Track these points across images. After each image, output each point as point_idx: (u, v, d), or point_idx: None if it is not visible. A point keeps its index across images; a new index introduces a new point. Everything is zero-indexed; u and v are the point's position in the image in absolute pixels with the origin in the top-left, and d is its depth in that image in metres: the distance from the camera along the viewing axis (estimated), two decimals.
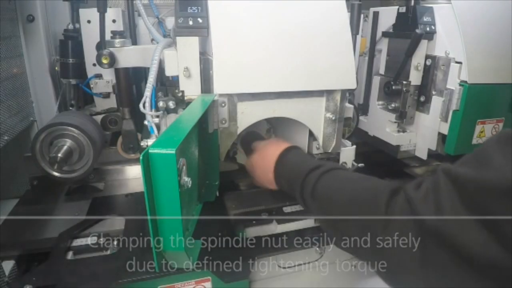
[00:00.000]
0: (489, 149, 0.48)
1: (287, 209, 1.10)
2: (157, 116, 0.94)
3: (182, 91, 0.96)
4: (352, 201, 0.70)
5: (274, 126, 1.28)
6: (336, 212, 0.73)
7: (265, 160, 0.98)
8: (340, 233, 0.73)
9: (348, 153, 1.12)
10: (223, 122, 0.94)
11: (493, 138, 0.49)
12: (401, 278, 0.59)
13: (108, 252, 0.99)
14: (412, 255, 0.54)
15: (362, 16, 1.27)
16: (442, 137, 1.27)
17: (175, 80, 0.99)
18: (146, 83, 0.94)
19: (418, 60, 1.25)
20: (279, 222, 1.04)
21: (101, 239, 1.01)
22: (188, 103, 0.94)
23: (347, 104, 1.08)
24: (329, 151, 1.08)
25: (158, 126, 0.94)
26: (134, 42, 1.35)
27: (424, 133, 1.32)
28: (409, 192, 0.58)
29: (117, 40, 1.08)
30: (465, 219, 0.46)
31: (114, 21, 1.27)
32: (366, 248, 0.66)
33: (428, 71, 1.26)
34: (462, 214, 0.47)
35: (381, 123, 1.42)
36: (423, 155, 1.35)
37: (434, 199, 0.52)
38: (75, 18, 1.30)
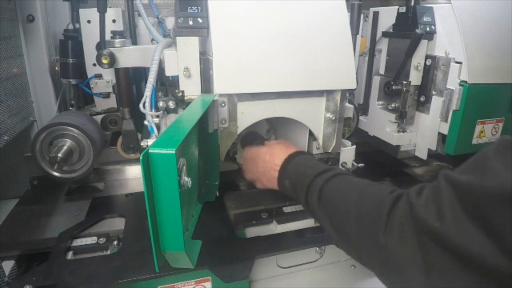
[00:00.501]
0: (489, 156, 0.48)
1: (287, 209, 1.10)
2: (157, 116, 0.94)
3: (182, 91, 0.96)
4: (357, 206, 0.70)
5: (274, 126, 1.28)
6: (340, 216, 0.73)
7: (272, 156, 0.97)
8: (344, 237, 0.73)
9: (348, 153, 1.12)
10: (223, 122, 0.94)
11: (492, 145, 0.50)
12: (403, 282, 0.58)
13: (108, 252, 0.99)
14: (414, 259, 0.54)
15: (362, 16, 1.27)
16: (442, 137, 1.27)
17: (175, 80, 0.99)
18: (146, 83, 0.94)
19: (418, 60, 1.25)
20: (279, 222, 1.05)
21: (101, 239, 1.01)
22: (188, 103, 0.94)
23: (347, 104, 1.08)
24: (329, 151, 1.08)
25: (158, 126, 0.94)
26: (134, 42, 1.35)
27: (424, 133, 1.32)
28: (411, 198, 0.58)
29: (117, 40, 1.08)
30: (467, 225, 0.47)
31: (114, 21, 1.27)
32: (369, 253, 0.66)
33: (428, 71, 1.26)
34: (463, 220, 0.47)
35: (381, 123, 1.42)
36: (423, 155, 1.35)
37: (436, 205, 0.52)
38: (75, 18, 1.30)
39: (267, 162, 0.98)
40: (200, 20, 0.90)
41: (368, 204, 0.68)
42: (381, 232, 0.61)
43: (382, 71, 1.42)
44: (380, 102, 1.44)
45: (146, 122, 0.93)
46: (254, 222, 1.05)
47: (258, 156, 1.02)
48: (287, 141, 1.07)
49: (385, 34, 1.38)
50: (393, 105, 1.37)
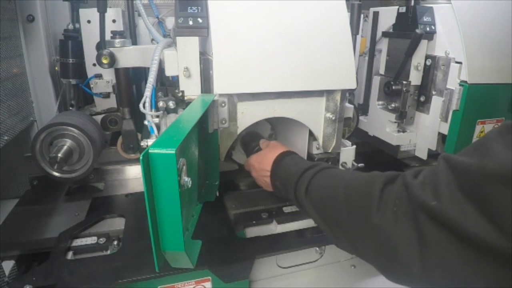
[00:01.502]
0: (490, 139, 0.49)
1: (287, 209, 1.10)
2: (157, 116, 0.94)
3: (182, 91, 0.96)
4: (346, 191, 0.70)
5: (275, 126, 1.28)
6: (329, 205, 0.73)
7: (261, 163, 1.00)
8: (336, 227, 0.72)
9: (348, 153, 1.12)
10: (223, 122, 0.94)
11: (494, 129, 0.50)
12: (399, 263, 0.58)
13: (108, 252, 0.99)
14: (409, 238, 0.55)
15: (362, 16, 1.27)
16: (442, 137, 1.27)
17: (175, 80, 0.99)
18: (146, 83, 0.94)
19: (418, 60, 1.25)
20: (279, 222, 1.05)
21: (101, 239, 1.01)
22: (188, 103, 0.94)
23: (347, 104, 1.08)
24: (329, 151, 1.08)
25: (158, 126, 0.94)
26: (134, 42, 1.35)
27: (424, 133, 1.32)
28: (407, 179, 0.59)
29: (117, 40, 1.08)
30: (463, 204, 0.47)
31: (114, 21, 1.27)
32: (362, 237, 0.65)
33: (428, 71, 1.26)
34: (460, 199, 0.48)
35: (381, 123, 1.42)
36: (423, 155, 1.35)
37: (433, 184, 0.53)
38: (75, 18, 1.30)
39: (258, 170, 1.02)
40: (200, 20, 0.90)
41: (357, 187, 0.68)
42: (374, 212, 0.61)
43: (382, 71, 1.42)
44: (380, 102, 1.44)
45: (146, 122, 0.93)
46: (254, 222, 1.05)
47: (250, 166, 1.06)
48: (276, 142, 1.08)
49: (385, 34, 1.37)
50: (393, 105, 1.37)
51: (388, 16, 1.36)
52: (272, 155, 0.98)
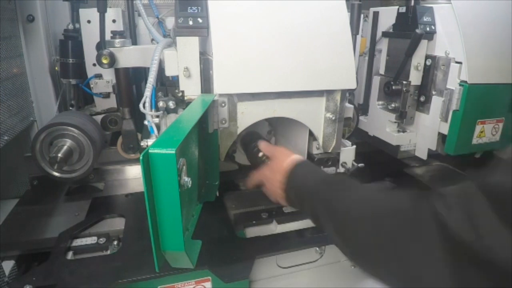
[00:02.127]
0: None
1: (287, 209, 1.10)
2: (157, 116, 0.94)
3: (182, 91, 0.96)
4: (374, 215, 0.64)
5: (274, 126, 1.28)
6: (355, 227, 0.67)
7: (274, 174, 0.91)
8: (361, 249, 0.66)
9: (348, 153, 1.12)
10: (223, 122, 0.94)
11: None
12: None
13: (108, 252, 0.99)
14: (441, 272, 0.51)
15: (362, 16, 1.27)
16: (442, 137, 1.27)
17: (175, 80, 0.99)
18: (146, 83, 0.94)
19: (418, 60, 1.25)
20: (279, 222, 1.05)
21: (101, 239, 1.01)
22: (188, 103, 0.94)
23: (347, 104, 1.08)
24: (329, 151, 1.08)
25: (158, 126, 0.94)
26: (134, 42, 1.35)
27: (424, 133, 1.32)
28: (437, 206, 0.54)
29: (117, 40, 1.08)
30: (502, 234, 0.44)
31: (114, 21, 1.27)
32: (392, 265, 0.60)
33: (428, 71, 1.26)
34: (499, 228, 0.44)
35: (381, 123, 1.42)
36: (423, 155, 1.35)
37: (466, 212, 0.49)
38: (75, 18, 1.30)
39: (272, 181, 0.91)
40: (200, 20, 0.90)
41: (385, 210, 0.63)
42: (404, 239, 0.57)
43: (382, 71, 1.42)
44: (380, 102, 1.44)
45: (146, 122, 0.93)
46: (254, 222, 1.05)
47: (264, 177, 0.96)
48: (282, 148, 1.00)
49: (385, 34, 1.37)
50: (393, 105, 1.37)
51: (388, 16, 1.36)
52: (283, 165, 0.88)
